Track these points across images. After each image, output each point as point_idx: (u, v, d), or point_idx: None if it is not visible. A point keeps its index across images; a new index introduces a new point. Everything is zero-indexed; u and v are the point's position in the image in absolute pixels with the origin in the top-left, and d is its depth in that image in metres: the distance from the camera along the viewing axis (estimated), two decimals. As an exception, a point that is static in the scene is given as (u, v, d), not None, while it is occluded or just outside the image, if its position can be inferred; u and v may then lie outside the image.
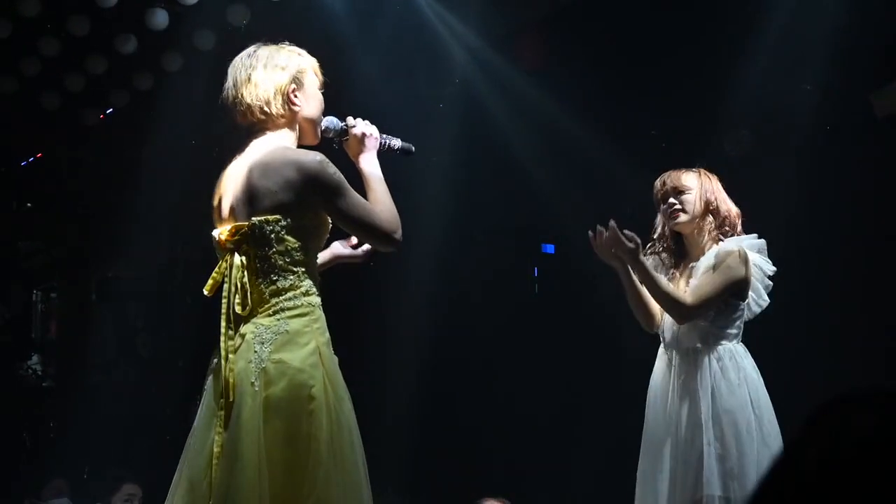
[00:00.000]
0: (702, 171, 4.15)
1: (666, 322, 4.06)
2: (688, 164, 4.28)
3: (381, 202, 3.08)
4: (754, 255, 3.99)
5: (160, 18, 6.99)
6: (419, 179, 6.53)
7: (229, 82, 3.11)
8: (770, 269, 4.04)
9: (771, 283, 4.05)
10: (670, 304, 3.91)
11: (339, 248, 3.51)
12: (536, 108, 7.11)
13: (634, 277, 3.98)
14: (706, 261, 3.96)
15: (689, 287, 3.96)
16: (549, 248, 7.96)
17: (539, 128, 7.15)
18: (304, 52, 3.20)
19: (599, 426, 6.66)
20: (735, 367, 3.92)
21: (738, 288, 3.92)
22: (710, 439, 3.82)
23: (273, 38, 3.21)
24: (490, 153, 7.34)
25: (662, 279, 3.96)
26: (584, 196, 7.08)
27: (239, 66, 3.12)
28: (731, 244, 3.97)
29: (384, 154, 3.30)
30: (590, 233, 3.88)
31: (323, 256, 3.38)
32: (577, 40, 6.86)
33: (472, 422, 7.40)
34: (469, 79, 7.28)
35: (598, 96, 6.78)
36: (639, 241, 3.86)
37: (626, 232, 3.83)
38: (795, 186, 6.01)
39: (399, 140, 3.38)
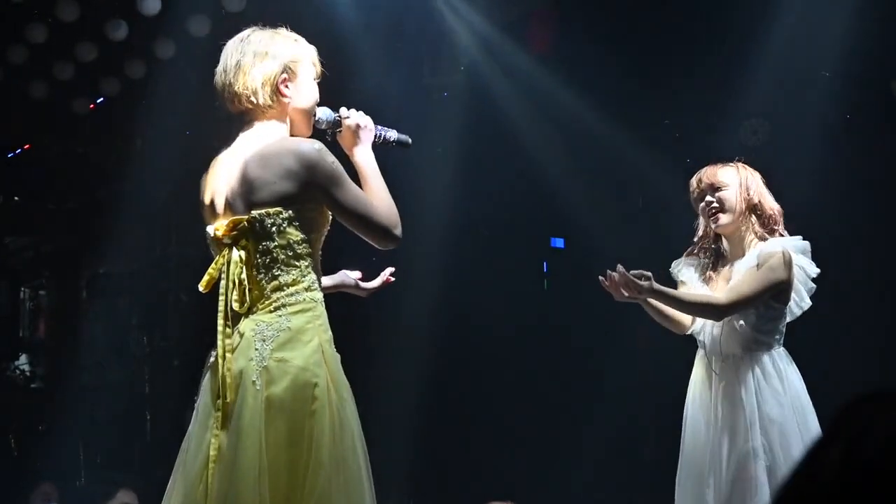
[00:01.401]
0: (740, 164, 4.09)
1: (706, 328, 4.03)
2: (702, 155, 4.26)
3: (378, 196, 3.08)
4: (798, 257, 3.95)
5: (152, 4, 7.01)
6: (424, 171, 6.55)
7: (220, 67, 3.10)
8: (814, 271, 4.00)
9: (814, 285, 4.02)
10: (703, 309, 3.90)
11: (346, 276, 3.56)
12: (545, 97, 7.12)
13: (655, 303, 3.96)
14: (747, 261, 3.93)
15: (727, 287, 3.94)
16: (559, 242, 7.97)
17: (548, 117, 7.16)
18: (300, 40, 3.17)
19: (611, 424, 6.68)
20: (778, 373, 3.91)
21: (778, 290, 3.89)
22: (757, 450, 3.82)
23: (272, 23, 3.21)
24: (497, 143, 7.35)
25: (685, 293, 3.95)
26: (595, 188, 7.10)
27: (230, 51, 3.10)
28: (774, 245, 3.92)
29: (381, 147, 3.29)
30: (600, 278, 3.84)
31: (326, 282, 3.39)
32: (587, 26, 6.88)
33: (479, 421, 7.42)
34: (475, 66, 7.29)
35: (610, 84, 6.79)
36: (649, 274, 3.81)
37: (635, 271, 3.79)
38: (814, 177, 6.01)
39: (395, 132, 3.36)
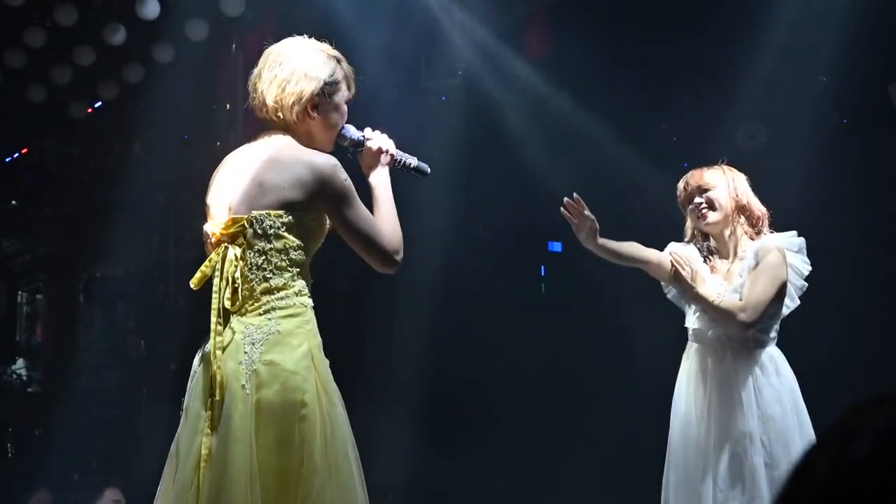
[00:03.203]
0: (725, 166, 4.15)
1: (701, 323, 4.07)
2: (700, 159, 4.28)
3: (386, 220, 3.09)
4: (791, 255, 4.01)
5: (151, 7, 7.02)
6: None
7: (258, 69, 3.12)
8: (806, 269, 4.05)
9: (806, 283, 4.06)
10: (729, 321, 3.93)
11: None
12: (543, 101, 7.13)
13: (610, 246, 4.11)
14: (747, 262, 3.98)
15: (732, 291, 3.98)
16: (557, 247, 7.97)
17: (545, 121, 7.17)
18: (343, 60, 3.19)
19: (609, 427, 6.70)
20: (776, 372, 3.94)
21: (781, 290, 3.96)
22: (755, 445, 3.84)
23: (269, 26, 3.22)
24: (494, 147, 7.36)
25: (719, 299, 3.96)
26: (593, 192, 7.08)
27: (273, 57, 3.12)
28: (769, 242, 3.98)
29: (397, 171, 3.31)
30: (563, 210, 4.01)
31: None
32: (585, 31, 6.89)
33: (478, 423, 7.42)
34: (473, 70, 7.30)
35: (608, 89, 6.81)
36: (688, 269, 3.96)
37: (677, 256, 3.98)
38: (811, 181, 6.03)
39: (415, 159, 3.36)
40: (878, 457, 1.09)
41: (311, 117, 3.09)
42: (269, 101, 3.06)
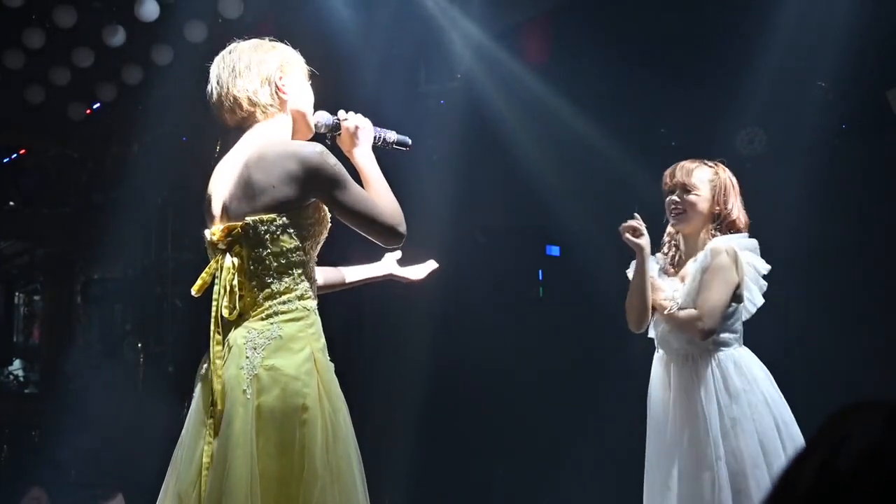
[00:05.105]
0: (719, 166, 4.06)
1: (660, 329, 4.05)
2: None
3: (381, 196, 3.08)
4: (746, 254, 3.95)
5: (150, 9, 7.03)
6: (420, 178, 6.56)
7: (213, 81, 3.13)
8: (764, 267, 3.99)
9: (765, 282, 4.00)
10: (690, 329, 3.90)
11: (394, 266, 3.62)
12: (542, 106, 7.13)
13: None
14: (699, 263, 3.93)
15: (685, 294, 3.95)
16: (555, 250, 7.98)
17: (544, 126, 7.17)
18: (287, 45, 3.24)
19: (606, 431, 6.69)
20: (739, 372, 3.89)
21: (735, 290, 3.91)
22: (720, 454, 3.81)
23: (268, 31, 3.23)
24: (493, 152, 7.36)
25: (680, 313, 3.94)
26: (591, 196, 7.11)
27: (221, 63, 3.14)
28: (720, 243, 3.91)
29: (380, 149, 3.31)
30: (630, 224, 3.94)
31: (373, 271, 3.50)
32: (584, 35, 6.90)
33: (476, 428, 7.42)
34: (472, 74, 7.30)
35: (606, 93, 6.81)
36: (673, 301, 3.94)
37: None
38: (809, 186, 6.04)
39: (394, 133, 3.38)
40: (865, 467, 1.09)
41: (283, 93, 3.10)
42: (239, 92, 3.07)
